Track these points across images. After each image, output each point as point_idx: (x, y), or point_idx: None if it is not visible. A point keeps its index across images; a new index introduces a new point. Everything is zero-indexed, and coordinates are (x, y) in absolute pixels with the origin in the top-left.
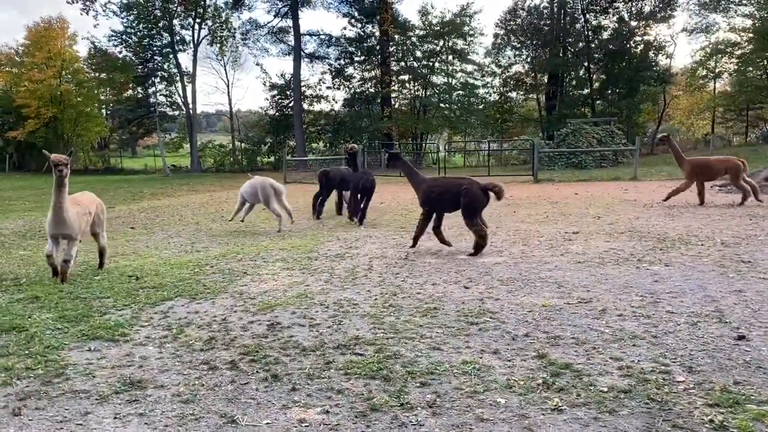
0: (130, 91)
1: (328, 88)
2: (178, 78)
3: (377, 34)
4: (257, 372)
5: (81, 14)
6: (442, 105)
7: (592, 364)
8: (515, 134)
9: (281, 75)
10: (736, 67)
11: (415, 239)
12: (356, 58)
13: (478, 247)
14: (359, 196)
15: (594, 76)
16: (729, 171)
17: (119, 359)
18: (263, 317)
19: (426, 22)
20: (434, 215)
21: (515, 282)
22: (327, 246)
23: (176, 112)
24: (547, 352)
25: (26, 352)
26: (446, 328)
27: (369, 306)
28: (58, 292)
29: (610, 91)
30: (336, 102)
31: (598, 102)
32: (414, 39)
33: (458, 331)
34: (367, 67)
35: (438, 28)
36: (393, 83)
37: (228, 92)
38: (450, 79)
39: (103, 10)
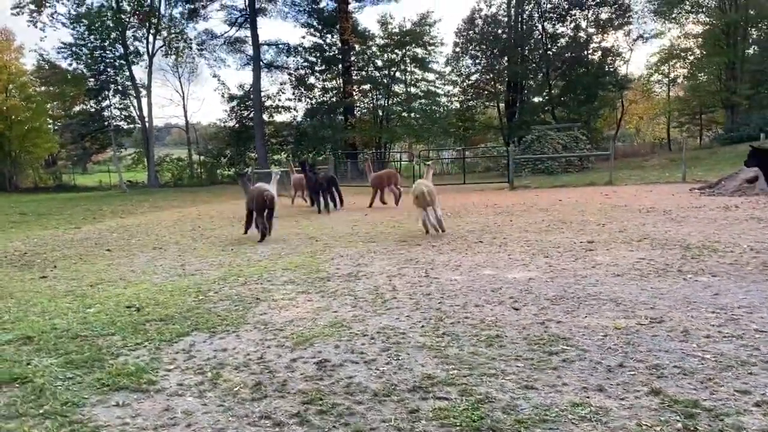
0: (82, 105)
1: (288, 99)
2: (132, 91)
3: (338, 43)
4: (335, 428)
5: (27, 26)
6: (404, 114)
7: (720, 399)
8: (477, 142)
9: (240, 86)
10: (688, 72)
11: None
12: (317, 68)
13: (262, 236)
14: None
15: (553, 83)
16: (390, 178)
17: (158, 416)
18: (305, 353)
19: (386, 32)
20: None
21: (565, 300)
22: (332, 264)
23: (132, 126)
24: (660, 387)
25: (40, 411)
26: (524, 360)
27: (419, 335)
28: (52, 330)
29: (569, 98)
30: (297, 112)
31: (558, 108)
32: (374, 48)
33: (540, 363)
34: (328, 76)
35: (398, 37)
36: (355, 93)
37: (183, 105)
38: (411, 88)
39: (51, 22)
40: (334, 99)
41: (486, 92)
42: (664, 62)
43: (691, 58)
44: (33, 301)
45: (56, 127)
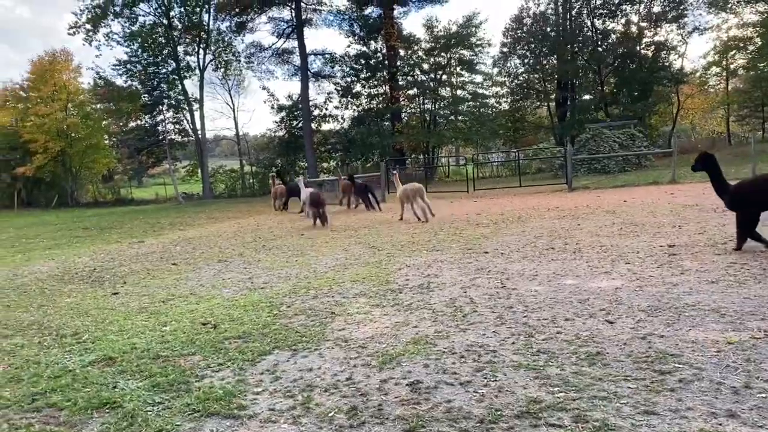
0: (137, 120)
1: (335, 108)
2: (185, 105)
3: (383, 49)
4: None
5: (83, 44)
6: (452, 117)
7: None
8: (528, 143)
9: (288, 96)
10: (748, 63)
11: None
12: (362, 75)
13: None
14: None
15: (605, 80)
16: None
17: None
18: (394, 373)
19: (432, 35)
20: None
21: (662, 311)
22: (400, 274)
23: (185, 139)
24: None
25: None
26: (635, 380)
27: (511, 353)
28: (132, 350)
29: (622, 95)
30: (344, 120)
31: (611, 106)
32: (420, 53)
33: (654, 384)
34: (374, 83)
35: (444, 40)
36: (401, 98)
37: (234, 116)
38: (459, 91)
39: (106, 41)
40: (380, 105)
41: (535, 92)
42: (721, 54)
43: (751, 48)
44: (109, 319)
45: (113, 143)
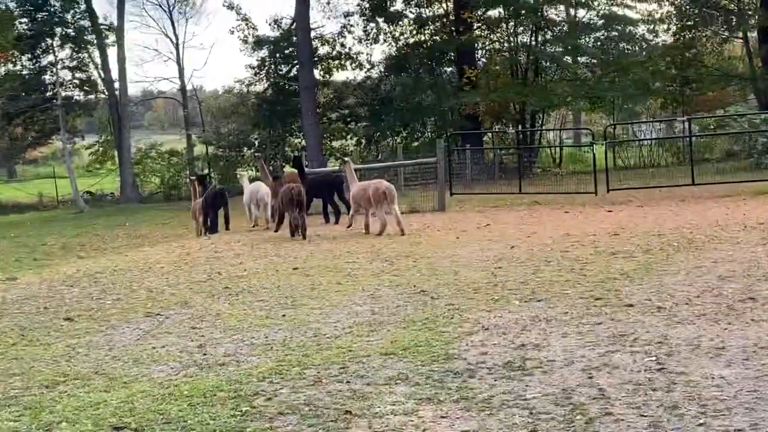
0: (9, 65)
1: (358, 40)
2: (92, 37)
3: None
4: None
5: None
6: (568, 59)
7: None
8: (708, 105)
9: (274, 22)
10: None
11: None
12: None
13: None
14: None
15: None
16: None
17: None
18: None
19: None
20: None
21: None
22: (469, 342)
23: (92, 97)
24: None
25: None
26: None
27: None
28: None
29: None
30: (373, 65)
31: None
32: None
33: None
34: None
35: None
36: (476, 24)
37: (178, 58)
38: (581, 11)
39: None
40: (438, 37)
41: (722, 13)
42: None
43: None
44: None
45: None
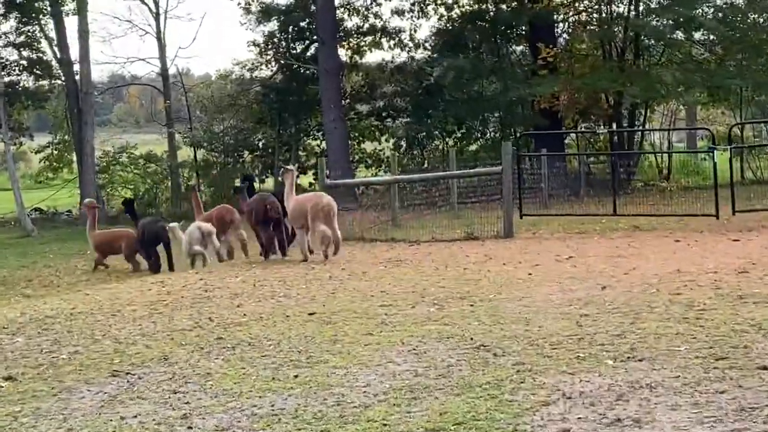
0: None
1: (397, 12)
2: (46, 3)
3: None
4: None
5: None
6: (679, 34)
7: None
8: None
9: None
10: None
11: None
12: None
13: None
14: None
15: None
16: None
17: None
18: None
19: None
20: None
21: None
22: (547, 416)
23: (45, 83)
24: None
25: None
26: None
27: None
28: None
29: None
30: (417, 44)
31: None
32: None
33: None
34: None
35: None
36: None
37: (158, 31)
38: None
39: None
40: (504, 6)
41: None
42: None
43: None
44: None
45: None
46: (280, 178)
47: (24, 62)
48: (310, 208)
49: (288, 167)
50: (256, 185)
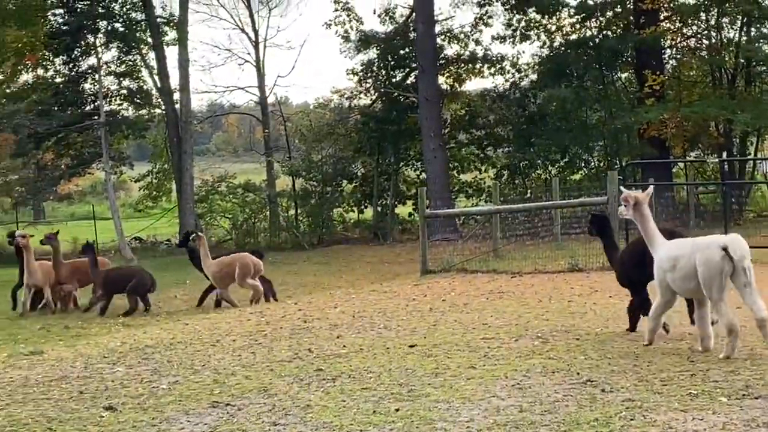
0: (40, 71)
1: (498, 38)
2: (146, 33)
3: None
4: None
5: None
6: None
7: None
8: None
9: (385, 13)
10: None
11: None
12: None
13: None
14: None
15: None
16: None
17: None
18: None
19: None
20: None
21: None
22: None
23: (145, 111)
24: None
25: None
26: None
27: None
28: None
29: None
30: (520, 72)
31: None
32: None
33: None
34: None
35: None
36: (661, 13)
37: (257, 59)
38: None
39: None
40: (609, 32)
41: None
42: None
43: None
44: None
45: None
46: (193, 244)
47: (125, 91)
48: (241, 267)
49: (199, 233)
50: (353, 215)
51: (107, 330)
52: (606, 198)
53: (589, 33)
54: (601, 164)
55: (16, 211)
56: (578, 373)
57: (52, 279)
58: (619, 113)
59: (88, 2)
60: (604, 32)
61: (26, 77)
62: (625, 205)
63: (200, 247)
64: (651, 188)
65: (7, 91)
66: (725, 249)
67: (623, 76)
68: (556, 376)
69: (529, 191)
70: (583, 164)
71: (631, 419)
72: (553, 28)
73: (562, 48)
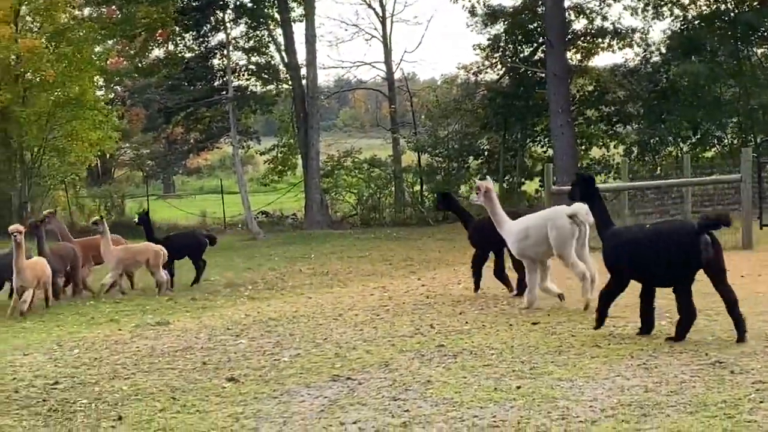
0: (169, 46)
1: (631, 11)
2: (273, 8)
3: None
4: None
5: None
6: None
7: None
8: None
9: None
10: None
11: None
12: None
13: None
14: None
15: None
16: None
17: None
18: None
19: None
20: None
21: None
22: None
23: (272, 87)
24: None
25: None
26: None
27: None
28: None
29: None
30: (651, 47)
31: None
32: None
33: None
34: None
35: None
36: None
37: (384, 36)
38: None
39: None
40: (746, 6)
41: None
42: None
43: None
44: None
45: (114, 98)
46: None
47: (253, 67)
48: (152, 256)
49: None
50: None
51: (232, 302)
52: (740, 176)
53: (723, 7)
54: (735, 141)
55: (147, 185)
56: (706, 354)
57: (45, 278)
58: (755, 90)
59: None
60: (740, 6)
61: (157, 53)
62: (477, 193)
63: (104, 230)
64: (491, 181)
65: (138, 66)
66: (572, 217)
67: (759, 51)
68: (684, 357)
69: (659, 168)
70: (715, 141)
71: (761, 401)
72: (686, 1)
73: (695, 22)
